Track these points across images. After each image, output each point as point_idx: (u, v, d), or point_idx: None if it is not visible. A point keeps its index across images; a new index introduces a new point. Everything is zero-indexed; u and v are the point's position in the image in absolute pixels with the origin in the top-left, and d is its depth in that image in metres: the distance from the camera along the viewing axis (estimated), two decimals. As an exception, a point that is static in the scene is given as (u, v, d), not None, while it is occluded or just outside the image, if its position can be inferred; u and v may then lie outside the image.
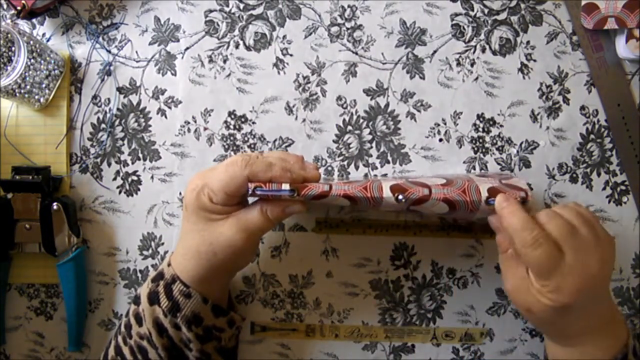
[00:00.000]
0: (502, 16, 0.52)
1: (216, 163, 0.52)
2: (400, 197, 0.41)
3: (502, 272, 0.42)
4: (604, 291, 0.40)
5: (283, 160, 0.40)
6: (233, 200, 0.40)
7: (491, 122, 0.52)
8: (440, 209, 0.42)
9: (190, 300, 0.41)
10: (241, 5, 0.52)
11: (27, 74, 0.47)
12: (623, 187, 0.52)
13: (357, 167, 0.52)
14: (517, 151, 0.52)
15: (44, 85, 0.50)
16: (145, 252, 0.52)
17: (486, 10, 0.52)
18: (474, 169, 0.52)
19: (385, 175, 0.52)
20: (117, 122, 0.52)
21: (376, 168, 0.52)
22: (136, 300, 0.43)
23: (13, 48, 0.47)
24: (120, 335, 0.44)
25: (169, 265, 0.42)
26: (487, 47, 0.52)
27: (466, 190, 0.42)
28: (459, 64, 0.52)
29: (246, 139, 0.52)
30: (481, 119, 0.52)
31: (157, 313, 0.41)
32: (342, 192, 0.40)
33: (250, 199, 0.43)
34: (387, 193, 0.41)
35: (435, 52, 0.52)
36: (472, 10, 0.52)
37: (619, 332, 0.41)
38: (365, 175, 0.52)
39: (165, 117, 0.52)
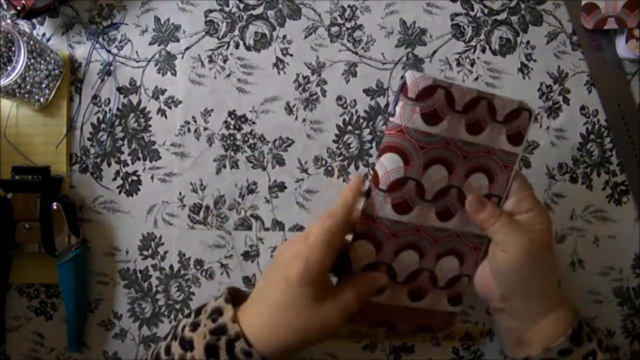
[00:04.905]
0: (502, 16, 0.52)
1: (216, 163, 0.52)
2: None
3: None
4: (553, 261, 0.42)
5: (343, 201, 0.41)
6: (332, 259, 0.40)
7: (491, 122, 0.52)
8: None
9: None
10: (241, 5, 0.52)
11: (27, 74, 0.47)
12: (623, 187, 0.52)
13: (357, 167, 0.52)
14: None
15: (44, 85, 0.50)
16: (145, 252, 0.52)
17: (486, 10, 0.52)
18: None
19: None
20: (117, 122, 0.52)
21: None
22: (184, 344, 0.40)
23: (13, 48, 0.47)
24: None
25: (233, 321, 0.40)
26: (487, 47, 0.52)
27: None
28: (459, 64, 0.52)
29: (246, 139, 0.52)
30: (481, 119, 0.52)
31: None
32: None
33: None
34: None
35: (435, 52, 0.52)
36: (472, 10, 0.52)
37: (569, 310, 0.43)
38: (366, 175, 0.52)
39: (165, 117, 0.52)
